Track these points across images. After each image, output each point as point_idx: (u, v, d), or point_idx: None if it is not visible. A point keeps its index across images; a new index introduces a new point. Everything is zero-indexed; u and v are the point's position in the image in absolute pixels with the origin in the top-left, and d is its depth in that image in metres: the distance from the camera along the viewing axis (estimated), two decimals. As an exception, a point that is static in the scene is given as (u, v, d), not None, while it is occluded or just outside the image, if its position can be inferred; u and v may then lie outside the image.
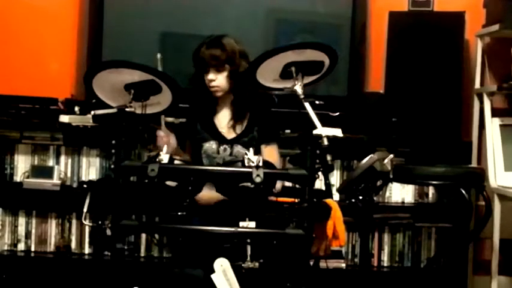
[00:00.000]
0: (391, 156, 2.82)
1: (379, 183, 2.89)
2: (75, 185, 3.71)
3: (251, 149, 2.44)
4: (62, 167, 3.70)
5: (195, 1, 3.76)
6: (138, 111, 2.57)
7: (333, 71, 2.75)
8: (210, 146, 2.97)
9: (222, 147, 2.96)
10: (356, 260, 3.78)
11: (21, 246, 3.70)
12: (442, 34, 3.66)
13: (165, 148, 2.49)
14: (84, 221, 3.13)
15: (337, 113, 3.50)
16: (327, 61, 2.68)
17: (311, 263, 2.69)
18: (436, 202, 3.81)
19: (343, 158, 3.74)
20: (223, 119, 3.01)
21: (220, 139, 2.97)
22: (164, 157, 2.39)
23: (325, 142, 2.39)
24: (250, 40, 3.32)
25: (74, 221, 3.71)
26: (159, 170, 2.31)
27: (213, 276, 2.32)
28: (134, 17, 3.72)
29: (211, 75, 2.90)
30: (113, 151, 2.41)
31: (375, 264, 3.79)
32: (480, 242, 3.84)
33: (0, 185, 3.67)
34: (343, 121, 3.34)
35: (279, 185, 2.71)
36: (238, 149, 2.95)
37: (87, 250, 3.72)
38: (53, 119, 3.46)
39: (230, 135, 2.99)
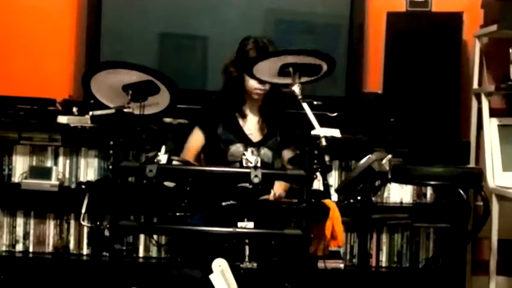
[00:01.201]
0: (389, 156, 2.81)
1: (377, 183, 2.87)
2: (73, 185, 3.71)
3: (249, 149, 2.46)
4: (60, 168, 3.69)
5: (193, 1, 3.76)
6: (136, 112, 2.57)
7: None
8: (237, 148, 2.98)
9: (249, 150, 2.94)
10: (354, 260, 3.78)
11: (19, 247, 3.70)
12: (440, 34, 3.66)
13: (163, 148, 2.48)
14: (82, 222, 3.12)
15: (335, 114, 3.50)
16: (325, 66, 2.68)
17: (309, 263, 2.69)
18: (434, 202, 3.81)
19: (341, 158, 3.75)
20: (250, 122, 3.04)
21: (247, 141, 2.98)
22: (162, 158, 2.39)
23: (323, 142, 2.38)
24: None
25: (72, 222, 3.71)
26: (157, 170, 2.31)
27: (211, 276, 2.32)
28: (132, 17, 3.72)
29: None
30: (111, 152, 2.41)
31: (373, 264, 3.80)
32: (478, 242, 3.84)
33: (-1, 186, 3.68)
34: (341, 121, 3.33)
35: (281, 192, 2.72)
36: (265, 151, 2.97)
37: (85, 251, 3.72)
38: (51, 120, 3.44)
39: (256, 138, 3.02)
